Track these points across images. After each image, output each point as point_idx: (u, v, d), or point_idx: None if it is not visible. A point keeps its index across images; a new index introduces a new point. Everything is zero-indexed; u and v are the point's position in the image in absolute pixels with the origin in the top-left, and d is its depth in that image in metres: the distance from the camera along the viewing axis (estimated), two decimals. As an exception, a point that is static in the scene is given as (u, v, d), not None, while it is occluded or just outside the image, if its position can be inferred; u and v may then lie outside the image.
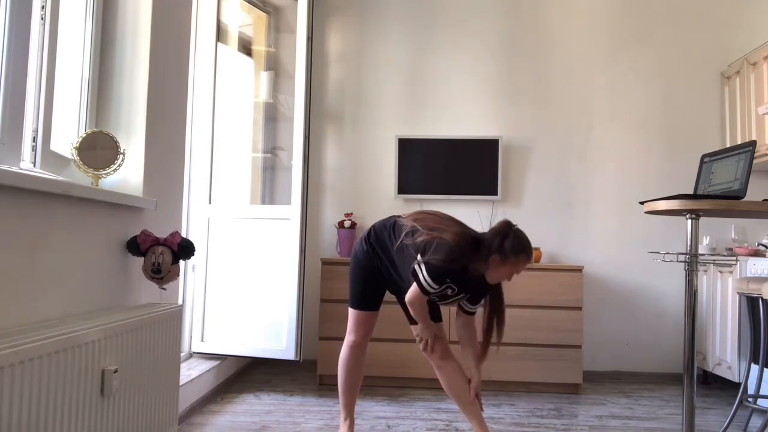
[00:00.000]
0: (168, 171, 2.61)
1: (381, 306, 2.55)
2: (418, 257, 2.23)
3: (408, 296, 2.29)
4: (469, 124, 4.27)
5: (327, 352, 3.56)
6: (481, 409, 2.44)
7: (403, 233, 2.33)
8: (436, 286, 2.22)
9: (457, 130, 4.24)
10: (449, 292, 2.29)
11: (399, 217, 2.46)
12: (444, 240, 2.22)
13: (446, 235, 2.23)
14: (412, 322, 2.50)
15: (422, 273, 2.21)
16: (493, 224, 2.32)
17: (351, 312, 2.53)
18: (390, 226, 2.44)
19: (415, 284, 2.24)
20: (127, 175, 2.31)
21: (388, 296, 2.55)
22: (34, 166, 1.97)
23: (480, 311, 2.41)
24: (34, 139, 1.97)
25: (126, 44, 2.36)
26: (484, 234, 2.30)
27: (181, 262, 2.33)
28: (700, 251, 2.84)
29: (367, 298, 2.51)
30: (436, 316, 2.50)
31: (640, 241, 4.14)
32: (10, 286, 1.58)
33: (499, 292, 2.35)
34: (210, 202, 3.56)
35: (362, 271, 2.48)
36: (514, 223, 2.27)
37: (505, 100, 4.28)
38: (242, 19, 4.03)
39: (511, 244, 2.19)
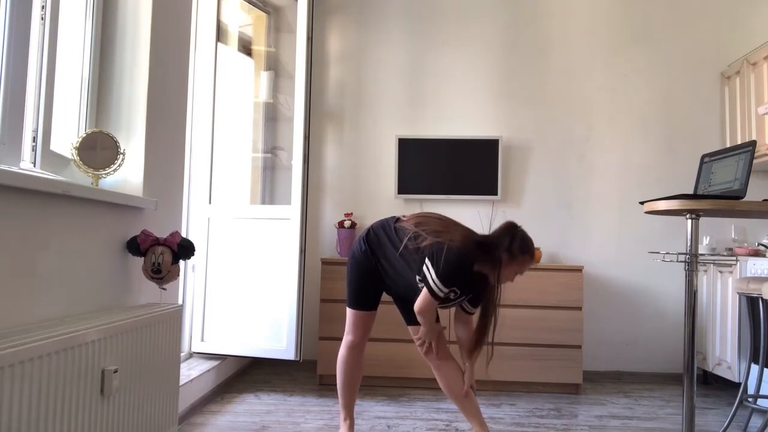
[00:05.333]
0: (168, 171, 2.61)
1: (379, 306, 2.54)
2: (427, 262, 2.22)
3: (418, 304, 2.27)
4: (469, 124, 4.27)
5: (327, 352, 3.56)
6: (474, 392, 2.44)
7: (406, 237, 2.31)
8: (446, 290, 2.22)
9: (457, 129, 4.24)
10: (452, 295, 2.29)
11: (399, 218, 2.45)
12: (453, 244, 2.21)
13: (454, 239, 2.23)
14: (410, 322, 2.50)
15: (432, 278, 2.20)
16: (494, 224, 2.33)
17: (349, 312, 2.52)
18: (390, 228, 2.41)
19: (425, 291, 2.23)
20: (127, 175, 2.32)
21: (387, 296, 2.54)
22: (34, 166, 1.97)
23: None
24: (34, 139, 1.97)
25: (126, 44, 2.36)
26: (487, 236, 2.30)
27: (181, 262, 2.33)
28: (700, 251, 2.84)
29: (364, 298, 2.50)
30: (435, 317, 2.49)
31: (640, 241, 4.14)
32: (10, 286, 1.58)
33: (495, 294, 2.35)
34: (210, 202, 3.56)
35: (360, 271, 2.46)
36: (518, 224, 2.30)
37: (505, 100, 4.28)
38: (242, 19, 4.03)
39: (519, 245, 2.24)
